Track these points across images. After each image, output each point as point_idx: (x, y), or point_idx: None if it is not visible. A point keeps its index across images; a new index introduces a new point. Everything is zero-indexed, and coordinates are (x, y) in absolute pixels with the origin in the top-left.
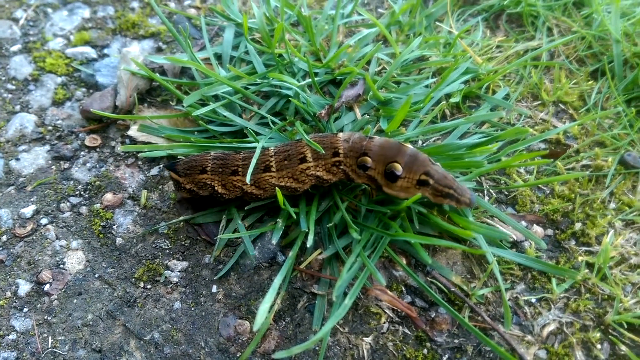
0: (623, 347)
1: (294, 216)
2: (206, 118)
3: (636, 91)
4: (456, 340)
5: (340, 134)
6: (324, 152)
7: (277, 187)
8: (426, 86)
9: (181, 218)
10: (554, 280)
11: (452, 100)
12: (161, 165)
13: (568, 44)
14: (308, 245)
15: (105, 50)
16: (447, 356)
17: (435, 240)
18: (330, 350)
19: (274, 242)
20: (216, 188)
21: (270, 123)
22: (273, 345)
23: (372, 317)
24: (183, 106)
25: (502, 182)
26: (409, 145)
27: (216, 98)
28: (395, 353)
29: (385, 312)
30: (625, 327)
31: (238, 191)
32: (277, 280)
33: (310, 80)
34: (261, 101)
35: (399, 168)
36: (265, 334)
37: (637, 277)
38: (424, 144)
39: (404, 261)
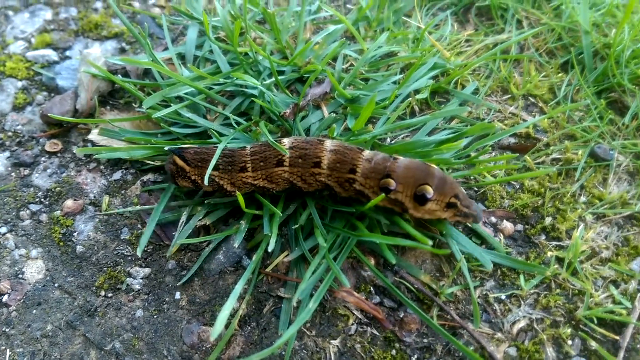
0: (593, 343)
1: (275, 211)
2: (170, 120)
3: (606, 82)
4: (425, 340)
5: (366, 152)
6: (286, 152)
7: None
8: (394, 82)
9: (137, 208)
10: (522, 277)
11: (420, 96)
12: (166, 148)
13: (538, 37)
14: (270, 250)
15: (68, 53)
16: (416, 356)
17: (400, 240)
18: (296, 355)
19: (235, 245)
20: (224, 186)
21: (234, 123)
22: (238, 352)
23: (339, 319)
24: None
25: (472, 178)
26: (435, 166)
27: (181, 99)
28: (363, 355)
29: (354, 314)
30: (596, 322)
31: (247, 187)
32: (239, 286)
33: (275, 79)
34: (226, 101)
35: (430, 191)
36: (230, 339)
37: (608, 271)
38: (393, 142)
39: (372, 261)
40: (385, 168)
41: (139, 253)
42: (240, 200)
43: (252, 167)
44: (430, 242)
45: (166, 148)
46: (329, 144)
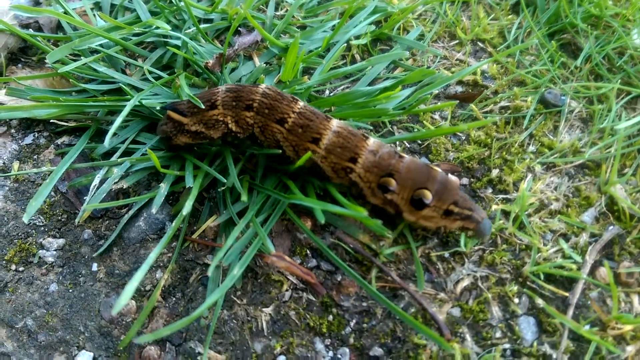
0: (541, 301)
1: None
2: (86, 77)
3: (559, 23)
4: (364, 304)
5: (371, 141)
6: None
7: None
8: (332, 28)
9: (44, 168)
10: (463, 235)
11: (359, 41)
12: (158, 107)
13: None
14: (184, 213)
15: None
16: (354, 321)
17: (332, 206)
18: (226, 325)
19: (154, 210)
20: (230, 126)
21: (151, 77)
22: (161, 325)
23: (273, 286)
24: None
25: (415, 130)
26: (438, 169)
27: (97, 53)
28: (298, 322)
29: (288, 279)
30: (544, 278)
31: (251, 129)
32: (154, 254)
33: (202, 27)
34: (148, 54)
35: (428, 196)
36: (153, 312)
37: (558, 224)
38: (331, 94)
39: (309, 222)
40: (390, 166)
41: (25, 219)
42: (153, 158)
43: (257, 108)
44: (365, 213)
45: (159, 107)
46: (334, 122)
